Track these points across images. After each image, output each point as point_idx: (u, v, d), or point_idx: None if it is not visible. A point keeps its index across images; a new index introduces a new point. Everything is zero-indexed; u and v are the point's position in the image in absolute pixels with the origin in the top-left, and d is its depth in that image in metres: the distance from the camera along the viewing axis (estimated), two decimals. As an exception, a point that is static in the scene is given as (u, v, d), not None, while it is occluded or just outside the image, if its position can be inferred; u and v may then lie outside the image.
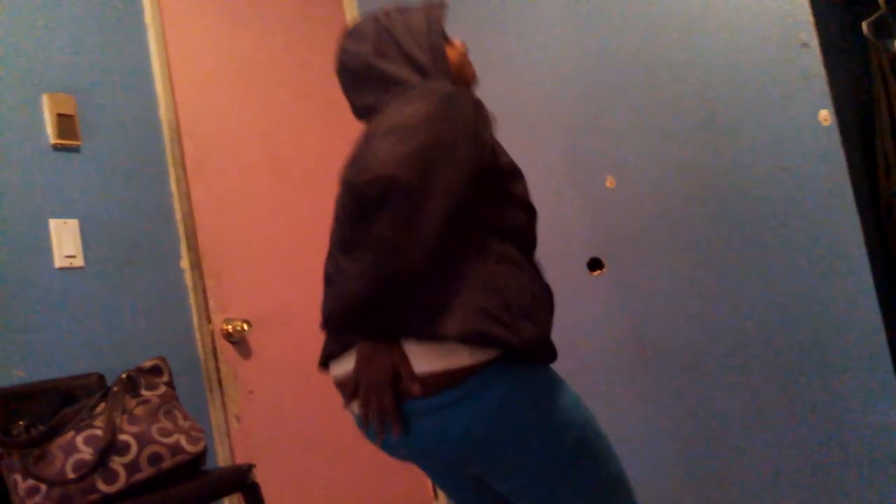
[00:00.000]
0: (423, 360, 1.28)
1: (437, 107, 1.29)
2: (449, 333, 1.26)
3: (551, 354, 1.39)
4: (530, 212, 1.44)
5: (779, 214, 2.06)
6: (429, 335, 1.27)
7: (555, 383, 1.37)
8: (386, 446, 1.40)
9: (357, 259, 1.24)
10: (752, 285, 2.11)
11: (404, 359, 1.29)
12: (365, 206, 1.22)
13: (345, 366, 1.39)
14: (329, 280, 1.45)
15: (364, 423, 1.39)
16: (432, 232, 1.21)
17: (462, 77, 1.52)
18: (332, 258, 1.44)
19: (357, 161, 1.32)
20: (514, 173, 1.43)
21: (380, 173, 1.19)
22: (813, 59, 1.99)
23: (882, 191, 2.09)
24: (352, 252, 1.31)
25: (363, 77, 1.49)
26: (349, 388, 1.38)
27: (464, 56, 1.53)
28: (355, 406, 1.39)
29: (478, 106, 1.35)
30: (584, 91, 2.42)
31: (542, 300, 1.38)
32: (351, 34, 1.51)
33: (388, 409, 1.30)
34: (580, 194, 2.44)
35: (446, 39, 1.52)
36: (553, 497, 1.35)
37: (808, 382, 2.03)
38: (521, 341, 1.29)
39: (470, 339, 1.26)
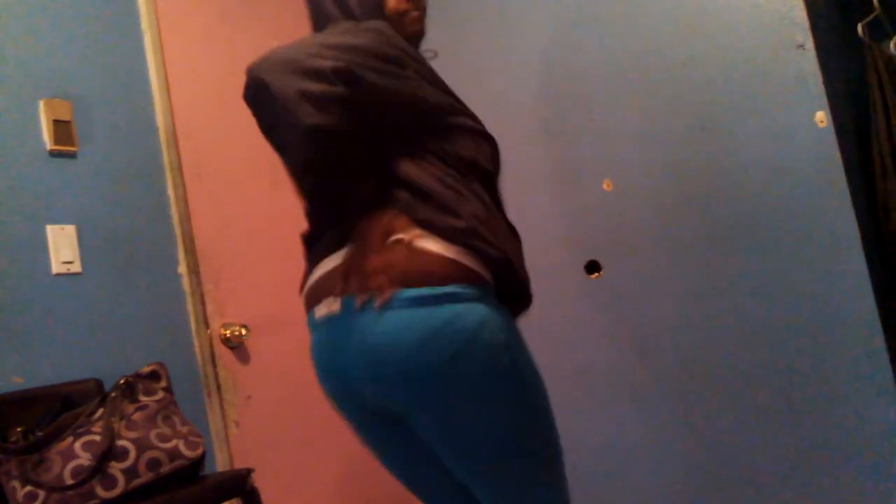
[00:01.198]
0: (417, 236, 1.29)
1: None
2: (457, 226, 1.28)
3: (523, 292, 1.41)
4: (486, 140, 1.45)
5: (776, 216, 2.06)
6: (427, 223, 1.29)
7: (520, 335, 1.38)
8: (325, 347, 1.35)
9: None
10: (749, 287, 2.11)
11: (396, 219, 1.29)
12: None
13: (324, 267, 1.37)
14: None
15: (330, 304, 1.33)
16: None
17: (401, 31, 1.47)
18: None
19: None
20: (453, 110, 1.42)
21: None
22: (809, 60, 1.99)
23: (878, 192, 2.10)
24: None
25: (311, 13, 1.53)
26: (324, 286, 1.34)
27: (408, 3, 1.49)
28: (322, 307, 1.34)
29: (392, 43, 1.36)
30: (579, 93, 2.42)
31: (507, 234, 1.40)
32: None
33: (379, 266, 1.26)
34: (577, 197, 2.44)
35: None
36: (489, 451, 1.31)
37: (806, 383, 2.03)
38: (508, 261, 1.32)
39: (463, 241, 1.29)
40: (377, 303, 1.26)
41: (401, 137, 1.38)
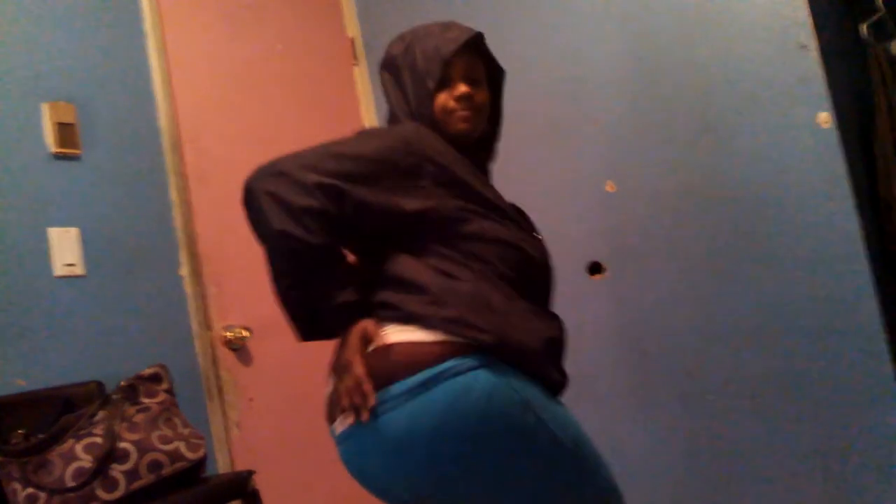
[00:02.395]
0: (398, 332, 1.28)
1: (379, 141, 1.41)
2: (429, 313, 1.27)
3: (544, 371, 1.33)
4: (511, 247, 1.41)
5: (779, 217, 2.05)
6: (407, 314, 1.28)
7: (538, 391, 1.32)
8: (353, 458, 1.33)
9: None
10: (752, 288, 2.11)
11: (373, 324, 1.30)
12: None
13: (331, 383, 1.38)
14: None
15: (344, 417, 1.31)
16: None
17: (448, 127, 1.48)
18: None
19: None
20: (467, 218, 1.39)
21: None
22: (812, 61, 1.99)
23: (882, 192, 2.09)
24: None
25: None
26: (337, 397, 1.33)
27: (455, 103, 1.48)
28: (339, 422, 1.33)
29: (422, 147, 1.38)
30: (582, 95, 2.42)
31: (525, 315, 1.35)
32: (398, 38, 1.56)
33: (360, 376, 1.24)
34: (580, 199, 2.44)
35: (448, 82, 1.48)
36: None
37: (808, 385, 2.02)
38: (505, 336, 1.27)
39: (451, 319, 1.26)
40: (363, 416, 1.24)
41: (399, 240, 1.38)
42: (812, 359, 2.01)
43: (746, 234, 2.11)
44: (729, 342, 2.15)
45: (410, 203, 1.34)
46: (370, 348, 1.29)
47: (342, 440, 1.34)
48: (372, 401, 1.23)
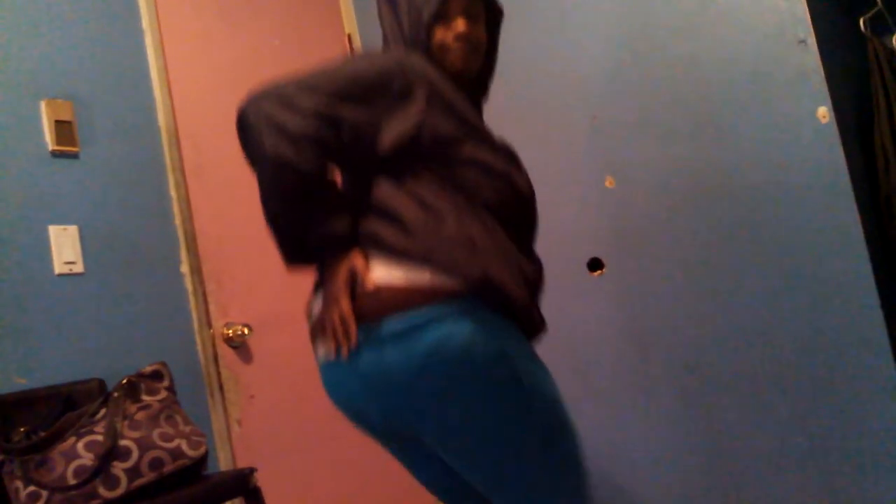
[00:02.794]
0: (385, 271, 1.28)
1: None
2: (413, 251, 1.27)
3: (526, 316, 1.35)
4: (501, 178, 1.42)
5: (778, 212, 2.05)
6: (391, 250, 1.28)
7: (527, 344, 1.36)
8: (333, 385, 1.37)
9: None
10: (752, 284, 2.11)
11: (362, 262, 1.29)
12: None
13: (318, 304, 1.38)
14: None
15: (326, 347, 1.33)
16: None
17: (445, 61, 1.49)
18: None
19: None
20: (460, 141, 1.40)
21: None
22: (810, 56, 1.98)
23: (881, 187, 2.09)
24: None
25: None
26: (320, 326, 1.35)
27: (453, 41, 1.48)
28: (321, 351, 1.36)
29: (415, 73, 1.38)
30: (581, 90, 2.42)
31: (507, 256, 1.35)
32: None
33: (345, 314, 1.26)
34: (579, 195, 2.44)
35: (446, 17, 1.48)
36: (500, 469, 1.31)
37: (809, 380, 2.02)
38: (482, 277, 1.26)
39: (434, 260, 1.26)
40: (343, 353, 1.27)
41: (390, 166, 1.37)
42: (812, 354, 2.01)
43: (746, 229, 2.11)
44: (728, 338, 2.15)
45: (402, 125, 1.34)
46: (358, 286, 1.29)
47: (324, 367, 1.38)
48: (354, 341, 1.26)
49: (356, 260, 1.29)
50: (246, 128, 1.33)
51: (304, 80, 1.32)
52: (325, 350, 1.35)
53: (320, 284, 1.41)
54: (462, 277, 1.26)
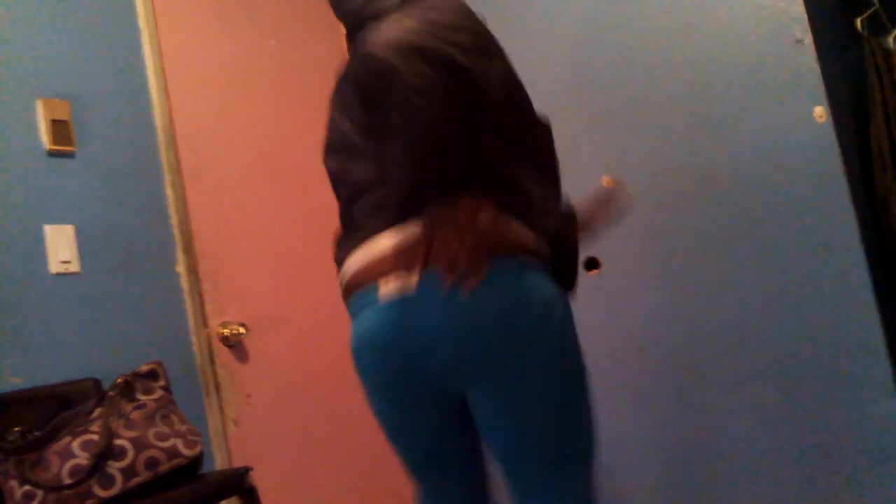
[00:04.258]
0: (511, 223, 1.33)
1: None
2: (520, 214, 1.34)
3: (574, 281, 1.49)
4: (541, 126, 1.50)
5: (775, 212, 2.06)
6: (501, 207, 1.29)
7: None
8: (397, 324, 1.29)
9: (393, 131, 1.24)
10: (748, 283, 2.11)
11: (488, 205, 1.25)
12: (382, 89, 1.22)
13: (387, 240, 1.31)
14: (338, 178, 1.46)
15: (404, 282, 1.28)
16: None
17: None
18: (340, 154, 1.44)
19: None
20: (521, 97, 1.48)
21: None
22: (807, 55, 1.99)
23: (878, 186, 2.09)
24: (375, 136, 1.34)
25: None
26: (391, 260, 1.29)
27: None
28: (390, 283, 1.29)
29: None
30: (578, 90, 2.42)
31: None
32: None
33: (476, 247, 1.23)
34: (576, 194, 2.43)
35: None
36: (550, 432, 1.35)
37: (805, 380, 2.03)
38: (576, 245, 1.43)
39: (536, 225, 1.35)
40: (471, 282, 1.24)
41: (489, 125, 1.36)
42: (808, 354, 2.01)
43: (742, 228, 2.11)
44: (725, 338, 2.16)
45: (505, 79, 1.40)
46: (484, 225, 1.26)
47: (387, 303, 1.30)
48: (484, 272, 1.24)
49: (487, 206, 1.25)
50: (385, 81, 1.22)
51: (439, 29, 1.24)
52: (399, 284, 1.28)
53: (354, 239, 1.37)
54: (572, 246, 1.43)
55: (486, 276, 1.25)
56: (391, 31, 1.22)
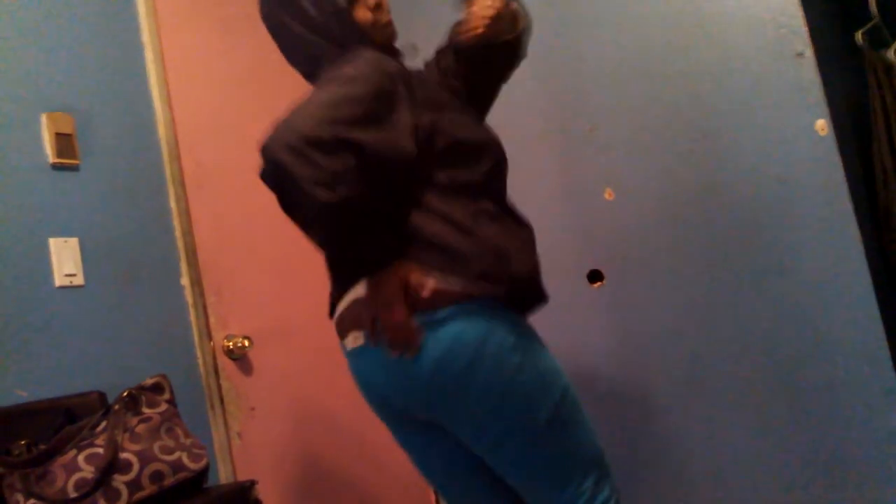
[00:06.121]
0: (431, 280, 1.38)
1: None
2: (448, 264, 1.38)
3: (540, 297, 1.49)
4: (488, 155, 1.50)
5: (777, 225, 2.06)
6: (426, 261, 1.38)
7: (538, 341, 1.47)
8: (361, 372, 1.47)
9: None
10: (751, 296, 2.11)
11: (413, 270, 1.36)
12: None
13: (348, 298, 1.45)
14: None
15: (370, 341, 1.42)
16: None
17: (377, 38, 1.54)
18: None
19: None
20: (442, 129, 1.46)
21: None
22: (808, 69, 2.00)
23: (880, 199, 2.10)
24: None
25: (283, 42, 1.62)
26: (349, 318, 1.45)
27: (373, 13, 1.53)
28: (350, 340, 1.46)
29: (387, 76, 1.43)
30: (580, 103, 2.43)
31: (518, 242, 1.47)
32: None
33: (402, 321, 1.35)
34: (579, 207, 2.45)
35: None
36: (524, 457, 1.42)
37: (810, 392, 2.03)
38: (510, 280, 1.40)
39: (466, 272, 1.38)
40: (410, 353, 1.38)
41: (405, 181, 1.43)
42: (812, 365, 2.02)
43: (745, 241, 2.12)
44: (729, 350, 2.16)
45: (406, 141, 1.40)
46: (414, 293, 1.37)
47: (353, 355, 1.50)
48: (418, 343, 1.36)
49: (411, 272, 1.37)
50: (281, 180, 1.33)
51: (312, 113, 1.32)
52: (353, 338, 1.47)
53: (343, 284, 1.49)
54: (498, 283, 1.40)
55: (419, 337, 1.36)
56: (287, 125, 1.31)
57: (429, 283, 1.36)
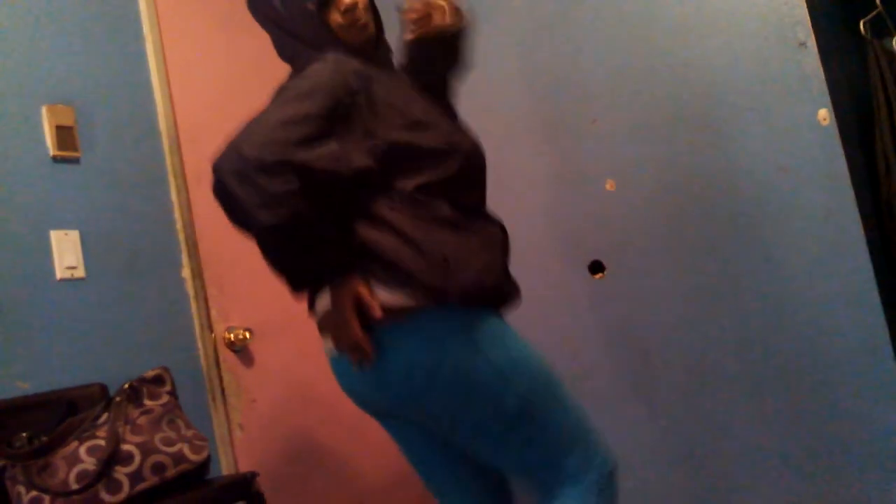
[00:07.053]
0: (382, 295, 1.39)
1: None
2: (398, 279, 1.39)
3: (501, 297, 1.49)
4: (452, 159, 1.49)
5: (779, 215, 2.06)
6: (378, 277, 1.40)
7: (504, 332, 1.46)
8: (342, 376, 1.51)
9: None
10: (753, 286, 2.11)
11: (366, 286, 1.39)
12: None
13: (324, 301, 1.47)
14: None
15: (337, 356, 1.49)
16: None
17: (351, 40, 1.54)
18: None
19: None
20: (403, 140, 1.46)
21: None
22: (811, 58, 1.99)
23: (882, 189, 2.09)
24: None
25: (271, 36, 1.65)
26: (323, 324, 1.49)
27: (343, 17, 1.53)
28: (326, 344, 1.51)
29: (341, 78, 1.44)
30: (581, 94, 2.42)
31: (474, 246, 1.45)
32: None
33: (358, 339, 1.38)
34: (580, 198, 2.44)
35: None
36: (501, 447, 1.44)
37: (810, 383, 2.03)
38: (459, 290, 1.39)
39: (416, 285, 1.38)
40: (366, 366, 1.42)
41: (358, 193, 1.44)
42: (814, 356, 2.01)
43: (747, 231, 2.11)
44: (730, 341, 2.16)
45: (360, 157, 1.41)
46: (365, 309, 1.39)
47: (334, 360, 1.53)
48: (372, 358, 1.40)
49: (360, 288, 1.39)
50: (225, 199, 1.38)
51: (263, 135, 1.35)
52: (327, 344, 1.50)
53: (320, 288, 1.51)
54: (443, 295, 1.39)
55: (378, 351, 1.40)
56: (234, 147, 1.35)
57: (378, 299, 1.39)
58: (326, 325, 1.48)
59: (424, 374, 1.39)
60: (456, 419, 1.44)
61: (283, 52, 1.65)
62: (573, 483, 1.46)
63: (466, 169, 1.51)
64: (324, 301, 1.46)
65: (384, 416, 1.58)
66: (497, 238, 1.52)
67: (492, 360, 1.42)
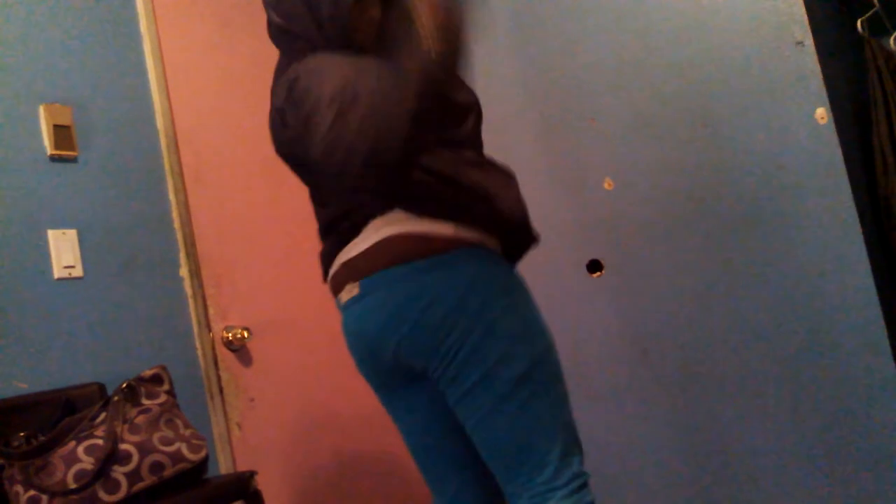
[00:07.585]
0: (408, 224, 1.43)
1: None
2: (444, 216, 1.43)
3: (531, 233, 1.56)
4: (473, 112, 1.55)
5: (777, 214, 2.06)
6: (416, 209, 1.44)
7: (528, 291, 1.51)
8: (354, 322, 1.50)
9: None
10: (751, 285, 2.11)
11: (405, 217, 1.43)
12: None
13: (339, 261, 1.51)
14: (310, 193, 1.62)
15: (357, 296, 1.48)
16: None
17: (358, 37, 1.51)
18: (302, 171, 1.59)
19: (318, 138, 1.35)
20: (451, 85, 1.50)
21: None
22: (808, 57, 1.99)
23: (880, 188, 2.10)
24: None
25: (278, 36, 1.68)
26: (343, 274, 1.50)
27: (365, 12, 1.50)
28: (345, 293, 1.51)
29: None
30: (579, 92, 2.42)
31: (505, 183, 1.52)
32: None
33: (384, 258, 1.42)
34: (578, 196, 2.44)
35: None
36: (494, 411, 1.42)
37: (809, 381, 2.03)
38: (505, 215, 1.47)
39: (463, 216, 1.43)
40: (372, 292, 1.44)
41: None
42: (812, 354, 2.02)
43: (744, 230, 2.12)
44: (729, 340, 2.16)
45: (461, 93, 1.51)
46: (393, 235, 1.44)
47: (347, 307, 1.52)
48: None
49: (406, 222, 1.44)
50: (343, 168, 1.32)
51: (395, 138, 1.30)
52: (348, 291, 1.50)
53: (336, 245, 1.54)
54: (480, 225, 1.45)
55: (401, 279, 1.42)
56: (374, 152, 1.29)
57: (421, 229, 1.42)
58: (352, 270, 1.49)
59: (455, 301, 1.40)
60: (466, 361, 1.41)
61: (293, 25, 1.60)
62: (550, 480, 1.43)
63: (480, 119, 1.58)
64: (343, 257, 1.50)
65: (387, 373, 1.55)
66: (516, 182, 1.57)
67: (521, 313, 1.45)
